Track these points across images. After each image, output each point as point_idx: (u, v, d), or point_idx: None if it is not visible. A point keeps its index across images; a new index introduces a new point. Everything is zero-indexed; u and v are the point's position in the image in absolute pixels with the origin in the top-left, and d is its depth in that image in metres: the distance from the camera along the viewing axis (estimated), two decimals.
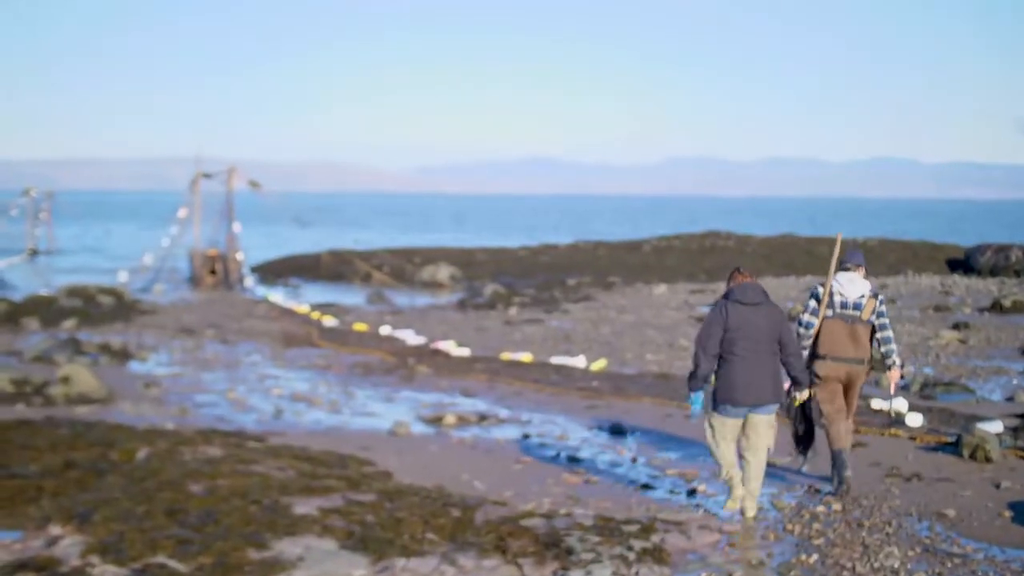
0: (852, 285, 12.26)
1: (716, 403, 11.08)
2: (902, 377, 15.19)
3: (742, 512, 11.14)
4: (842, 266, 12.51)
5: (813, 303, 12.30)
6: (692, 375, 11.03)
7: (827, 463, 12.30)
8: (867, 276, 12.64)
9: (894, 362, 12.40)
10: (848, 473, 11.95)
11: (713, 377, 11.09)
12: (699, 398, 11.14)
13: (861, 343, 12.20)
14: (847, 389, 12.37)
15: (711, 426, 11.20)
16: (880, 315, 12.28)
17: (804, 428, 12.70)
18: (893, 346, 12.36)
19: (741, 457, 11.25)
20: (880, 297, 12.38)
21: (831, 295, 12.23)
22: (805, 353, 12.07)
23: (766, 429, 11.10)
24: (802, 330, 12.22)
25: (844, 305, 12.20)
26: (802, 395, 11.63)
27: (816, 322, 12.21)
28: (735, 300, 10.93)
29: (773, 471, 12.58)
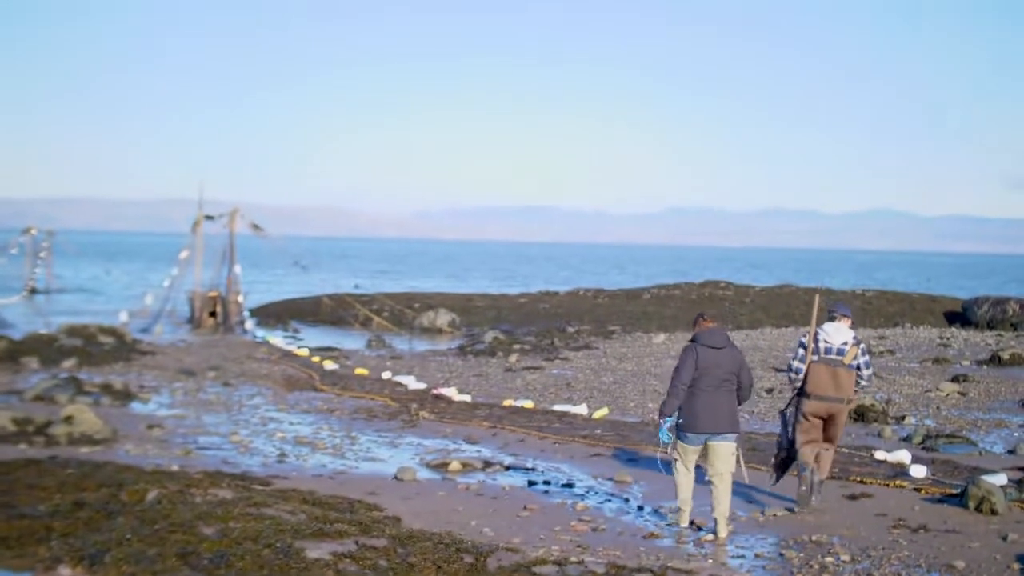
0: (837, 333, 13.91)
1: (680, 432, 12.94)
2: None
3: (714, 532, 12.68)
4: (829, 316, 14.16)
5: (801, 351, 14.04)
6: (665, 404, 12.94)
7: (829, 503, 12.37)
8: (853, 326, 14.27)
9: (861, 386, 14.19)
10: (803, 489, 13.85)
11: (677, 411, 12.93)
12: (668, 424, 13.05)
13: (842, 384, 13.80)
14: (828, 424, 14.05)
15: (677, 453, 13.07)
16: (862, 363, 13.89)
17: (785, 455, 14.44)
18: (865, 384, 14.15)
19: (709, 482, 12.86)
20: (862, 345, 13.97)
21: (816, 342, 13.89)
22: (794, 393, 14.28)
23: (727, 455, 12.79)
24: (792, 375, 14.18)
25: (828, 351, 13.84)
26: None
27: (804, 367, 13.94)
28: (703, 344, 12.89)
29: (782, 522, 12.62)
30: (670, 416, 12.98)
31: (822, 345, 13.85)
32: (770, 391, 26.68)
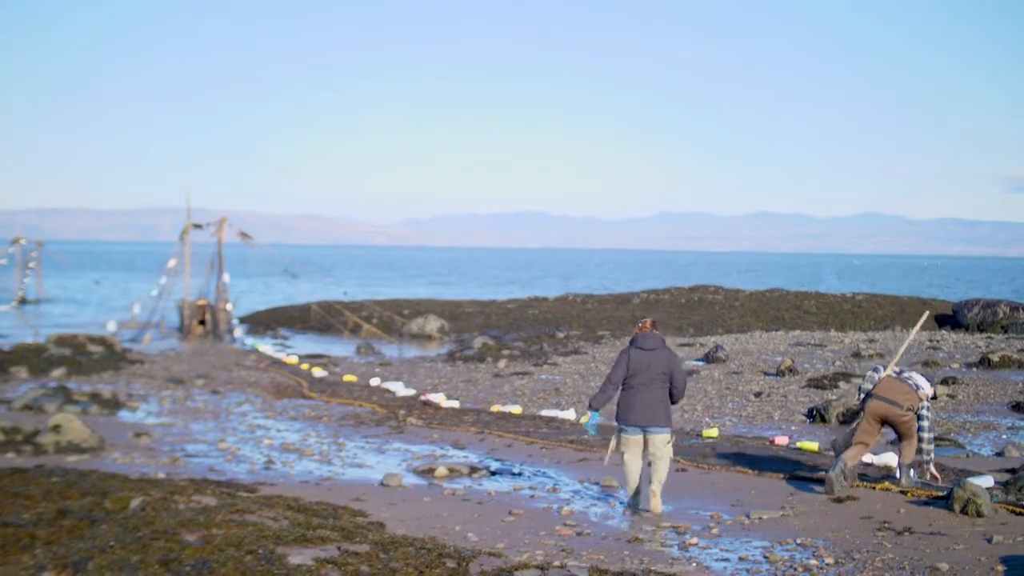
0: (915, 376, 15.55)
1: (619, 423, 14.38)
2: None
3: (648, 510, 14.14)
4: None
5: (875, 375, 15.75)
6: (594, 398, 14.52)
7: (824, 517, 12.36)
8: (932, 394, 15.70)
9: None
10: (833, 473, 14.88)
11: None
12: (596, 416, 14.63)
13: (904, 395, 15.12)
14: (893, 427, 15.30)
15: (618, 443, 14.46)
16: (923, 413, 15.23)
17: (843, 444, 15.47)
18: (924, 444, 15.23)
19: (650, 464, 14.37)
20: (926, 404, 15.34)
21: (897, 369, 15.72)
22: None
23: (663, 444, 14.20)
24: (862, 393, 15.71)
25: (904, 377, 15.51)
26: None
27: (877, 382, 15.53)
28: (637, 346, 14.35)
29: (767, 526, 12.64)
30: (597, 410, 14.58)
31: (903, 373, 15.66)
32: (759, 395, 26.67)
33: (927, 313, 18.29)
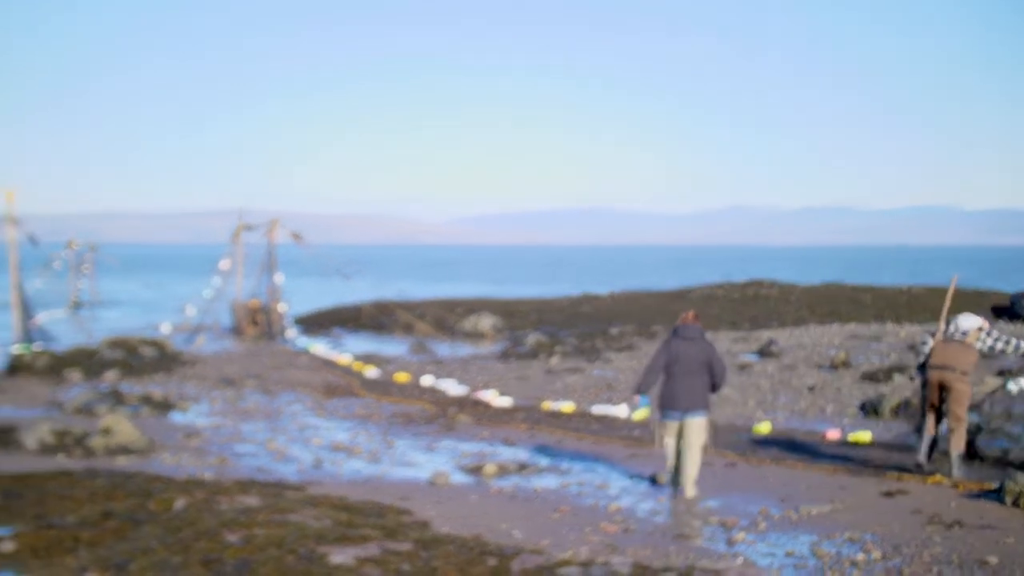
0: (966, 321, 16.27)
1: (661, 409, 15.27)
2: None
3: (682, 491, 15.01)
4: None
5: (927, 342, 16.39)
6: (639, 383, 15.41)
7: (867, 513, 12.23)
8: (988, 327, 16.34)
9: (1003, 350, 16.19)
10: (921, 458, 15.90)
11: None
12: (646, 399, 15.57)
13: (953, 357, 15.79)
14: (947, 395, 15.79)
15: (660, 428, 15.41)
16: (992, 342, 16.06)
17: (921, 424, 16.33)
18: (1005, 347, 16.16)
19: (681, 455, 15.11)
20: (986, 331, 16.13)
21: (947, 325, 16.35)
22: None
23: (698, 429, 15.03)
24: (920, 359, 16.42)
25: (951, 335, 16.14)
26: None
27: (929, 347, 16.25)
28: (678, 336, 15.27)
29: (816, 520, 12.51)
30: (644, 393, 15.45)
31: (950, 328, 16.26)
32: (812, 389, 26.44)
33: (955, 277, 18.58)
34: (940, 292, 57.44)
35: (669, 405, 15.14)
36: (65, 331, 48.27)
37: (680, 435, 15.11)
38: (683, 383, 15.03)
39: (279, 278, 48.66)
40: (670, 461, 15.31)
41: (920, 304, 53.43)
